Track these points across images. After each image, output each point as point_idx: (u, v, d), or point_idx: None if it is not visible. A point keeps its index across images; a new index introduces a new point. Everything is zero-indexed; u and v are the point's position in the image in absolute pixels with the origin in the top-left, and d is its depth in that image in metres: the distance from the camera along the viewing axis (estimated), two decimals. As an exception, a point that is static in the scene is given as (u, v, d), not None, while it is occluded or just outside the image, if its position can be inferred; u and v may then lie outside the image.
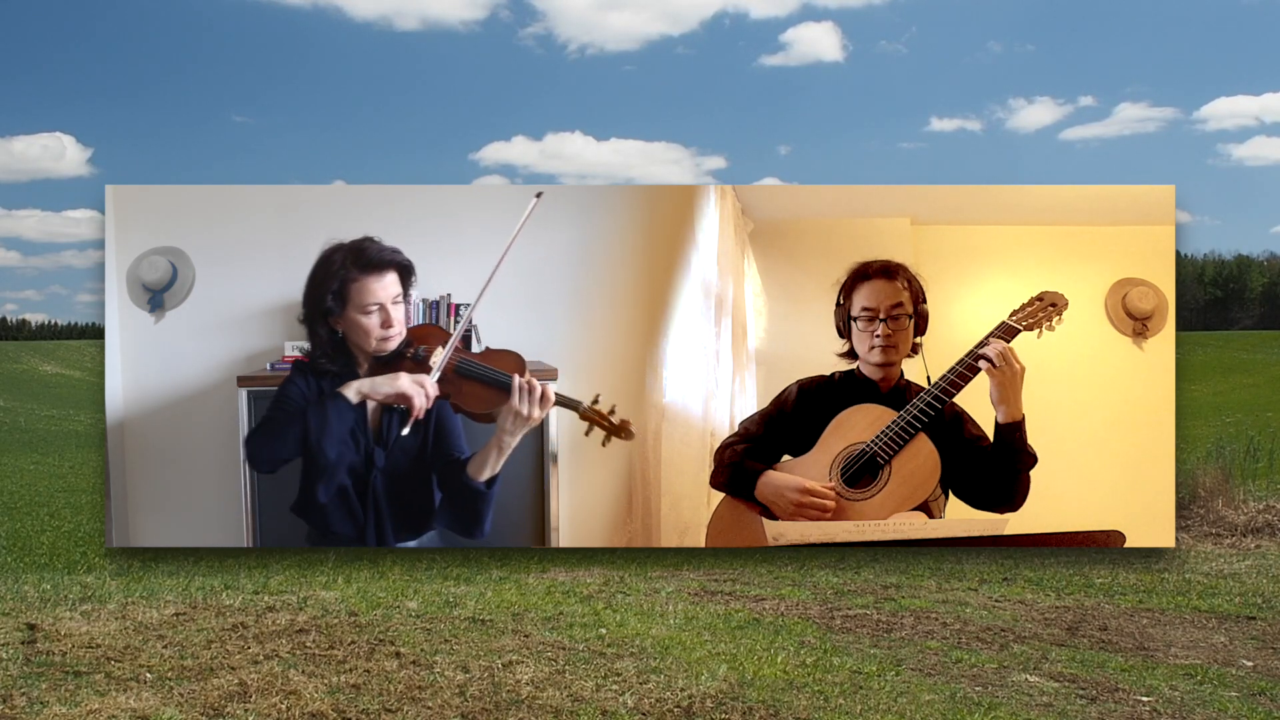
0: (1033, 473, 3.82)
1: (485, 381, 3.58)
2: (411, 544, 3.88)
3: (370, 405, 3.69)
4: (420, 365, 3.61)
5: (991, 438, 3.80)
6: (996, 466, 3.74)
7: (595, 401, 3.60)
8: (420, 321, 4.73)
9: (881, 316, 3.86)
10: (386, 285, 3.61)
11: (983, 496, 3.82)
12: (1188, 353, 29.01)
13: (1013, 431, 3.71)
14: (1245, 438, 7.41)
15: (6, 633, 3.28)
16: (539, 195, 3.70)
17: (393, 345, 3.64)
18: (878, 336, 3.86)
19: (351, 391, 3.55)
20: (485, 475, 3.59)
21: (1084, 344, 5.39)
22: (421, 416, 3.54)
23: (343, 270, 3.59)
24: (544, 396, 3.53)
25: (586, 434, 3.58)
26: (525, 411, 3.52)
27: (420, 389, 3.53)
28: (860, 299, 3.91)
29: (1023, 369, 3.70)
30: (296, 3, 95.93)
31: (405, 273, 3.67)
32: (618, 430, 3.58)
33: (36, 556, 4.88)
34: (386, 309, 3.61)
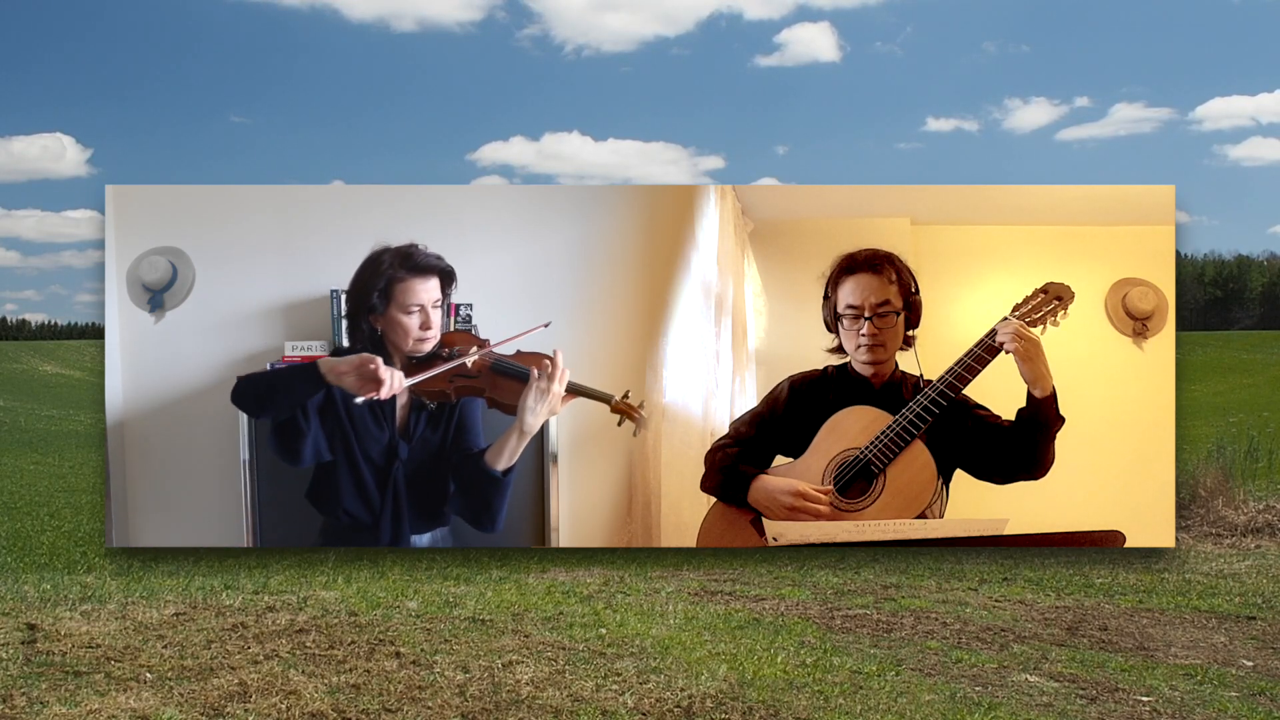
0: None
1: (519, 377, 3.73)
2: (424, 538, 3.92)
3: (400, 401, 3.80)
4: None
5: (1014, 415, 3.62)
6: (1027, 438, 3.56)
7: (626, 396, 3.75)
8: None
9: (867, 315, 3.68)
10: (430, 288, 3.74)
11: (1005, 469, 3.65)
12: (1188, 353, 29.01)
13: (1050, 404, 3.52)
14: (1245, 438, 7.41)
15: (6, 633, 3.28)
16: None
17: (428, 347, 3.76)
18: (863, 335, 3.68)
19: (324, 366, 3.55)
20: (503, 464, 3.65)
21: (1084, 344, 5.38)
22: (380, 397, 3.51)
23: (390, 270, 3.71)
24: (556, 367, 3.63)
25: (619, 424, 3.78)
26: (545, 385, 3.60)
27: (376, 364, 3.47)
28: (845, 295, 3.71)
29: (1038, 337, 3.54)
30: (294, 4, 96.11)
31: (447, 279, 3.80)
32: (643, 421, 3.78)
33: (36, 556, 4.88)
34: (427, 311, 3.73)
